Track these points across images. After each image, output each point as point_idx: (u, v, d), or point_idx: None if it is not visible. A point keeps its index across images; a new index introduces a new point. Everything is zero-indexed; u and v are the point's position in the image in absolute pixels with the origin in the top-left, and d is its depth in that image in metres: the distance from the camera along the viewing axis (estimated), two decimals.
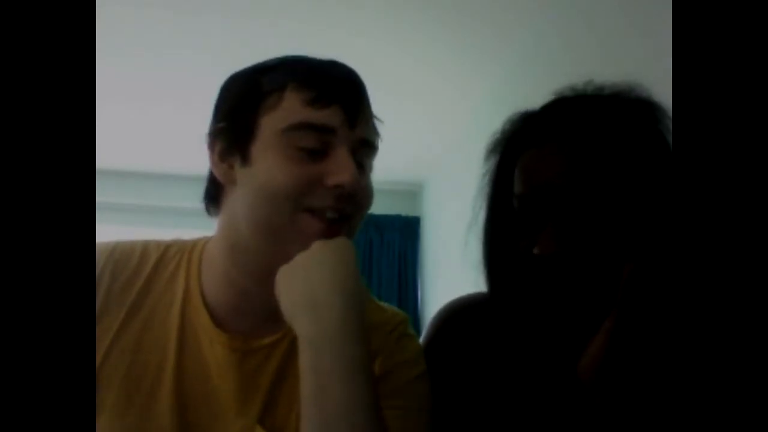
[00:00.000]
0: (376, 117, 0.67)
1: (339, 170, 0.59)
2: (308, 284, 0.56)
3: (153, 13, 2.09)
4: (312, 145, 0.59)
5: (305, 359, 0.54)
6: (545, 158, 0.61)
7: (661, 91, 0.62)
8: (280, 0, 2.02)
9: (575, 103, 0.66)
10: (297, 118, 0.59)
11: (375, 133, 0.66)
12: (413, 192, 3.99)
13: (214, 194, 0.67)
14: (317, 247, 0.59)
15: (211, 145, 0.64)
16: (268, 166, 0.60)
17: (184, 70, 2.49)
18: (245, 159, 0.61)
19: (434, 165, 3.45)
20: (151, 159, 3.51)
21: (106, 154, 3.14)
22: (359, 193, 0.62)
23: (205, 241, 0.69)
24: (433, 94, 2.69)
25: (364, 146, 0.64)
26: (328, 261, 0.58)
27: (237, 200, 0.63)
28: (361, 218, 0.65)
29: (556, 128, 0.62)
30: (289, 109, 0.60)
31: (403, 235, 3.85)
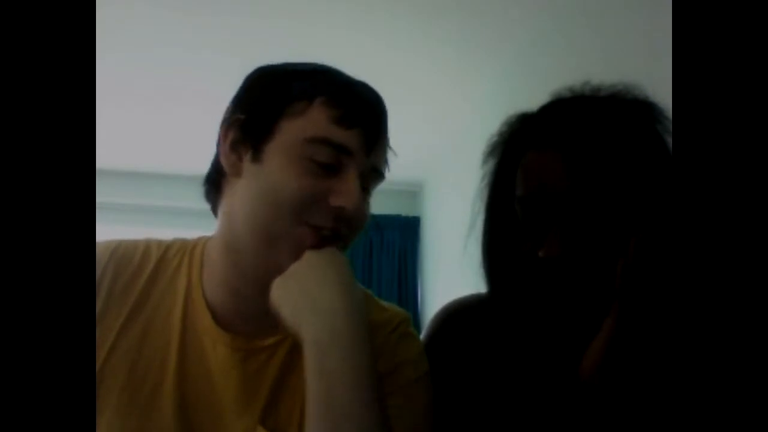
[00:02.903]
0: (390, 147, 0.67)
1: (345, 193, 0.60)
2: (308, 290, 0.57)
3: (153, 12, 2.09)
4: (326, 161, 0.60)
5: (311, 362, 0.55)
6: (547, 161, 0.61)
7: (661, 89, 0.62)
8: (280, 0, 2.02)
9: (574, 104, 0.65)
10: (320, 133, 0.60)
11: (386, 162, 0.67)
12: (413, 192, 3.99)
13: (216, 182, 0.66)
14: (310, 256, 0.59)
15: (225, 133, 0.64)
16: (279, 170, 0.60)
17: (184, 70, 2.49)
18: (257, 155, 0.61)
19: (434, 165, 3.45)
20: (151, 159, 3.51)
21: (107, 154, 3.15)
22: (358, 217, 0.62)
23: (205, 240, 0.69)
24: (434, 94, 2.69)
25: (374, 173, 0.65)
26: (324, 268, 0.59)
27: (238, 195, 0.62)
28: (353, 239, 0.65)
29: (557, 131, 0.62)
30: (314, 121, 0.60)
31: (403, 235, 3.85)
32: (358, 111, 0.62)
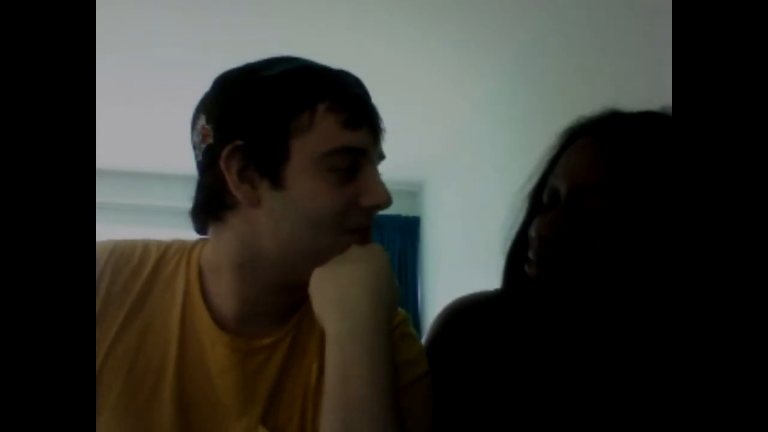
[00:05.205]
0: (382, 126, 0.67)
1: (374, 191, 0.62)
2: (340, 286, 0.59)
3: (153, 13, 2.09)
4: (346, 165, 0.60)
5: (331, 354, 0.57)
6: (580, 150, 0.61)
7: (661, 90, 0.61)
8: (280, 0, 2.02)
9: (642, 113, 0.63)
10: (337, 144, 0.59)
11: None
12: (413, 192, 4.00)
13: (216, 211, 0.63)
14: (351, 251, 0.62)
15: (226, 163, 0.59)
16: (309, 192, 0.59)
17: (184, 70, 2.49)
18: (277, 182, 0.59)
19: (434, 165, 3.46)
20: (151, 159, 3.51)
21: (106, 154, 3.15)
22: (388, 205, 0.64)
23: (203, 244, 0.69)
24: (434, 94, 2.69)
25: (380, 158, 0.66)
26: (359, 263, 0.60)
27: (259, 222, 0.61)
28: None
29: (605, 125, 0.61)
30: (326, 131, 0.59)
31: (403, 235, 3.85)
32: (360, 107, 0.62)
